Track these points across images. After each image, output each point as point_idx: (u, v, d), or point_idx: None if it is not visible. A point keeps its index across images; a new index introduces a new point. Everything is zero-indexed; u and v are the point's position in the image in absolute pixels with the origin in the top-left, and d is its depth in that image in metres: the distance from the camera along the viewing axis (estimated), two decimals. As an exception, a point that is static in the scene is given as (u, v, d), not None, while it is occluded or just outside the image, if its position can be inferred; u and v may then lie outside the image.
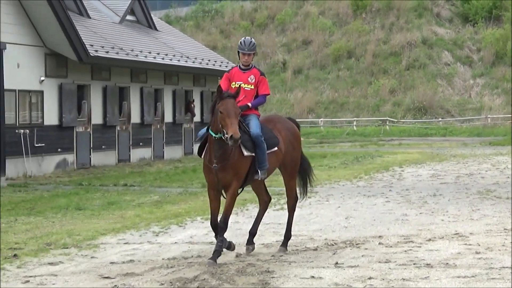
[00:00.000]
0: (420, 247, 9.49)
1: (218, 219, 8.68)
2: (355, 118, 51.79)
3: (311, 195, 15.22)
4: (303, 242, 10.02)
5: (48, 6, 20.44)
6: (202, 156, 8.76)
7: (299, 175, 9.80)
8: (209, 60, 30.60)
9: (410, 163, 24.45)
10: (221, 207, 8.79)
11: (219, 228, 8.58)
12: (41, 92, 21.55)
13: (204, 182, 10.05)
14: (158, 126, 27.55)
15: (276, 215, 12.35)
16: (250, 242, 9.23)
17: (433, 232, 10.65)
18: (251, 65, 9.10)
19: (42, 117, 21.54)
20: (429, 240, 10.01)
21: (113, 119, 24.67)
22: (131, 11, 29.45)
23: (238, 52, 9.12)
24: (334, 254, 9.12)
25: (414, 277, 7.74)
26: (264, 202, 9.56)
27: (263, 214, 9.57)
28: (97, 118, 23.99)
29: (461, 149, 32.12)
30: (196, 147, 11.64)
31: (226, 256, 8.93)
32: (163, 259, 8.98)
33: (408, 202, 14.33)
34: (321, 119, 52.05)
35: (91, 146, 23.63)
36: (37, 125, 21.20)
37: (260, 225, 9.61)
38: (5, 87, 19.54)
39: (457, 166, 23.20)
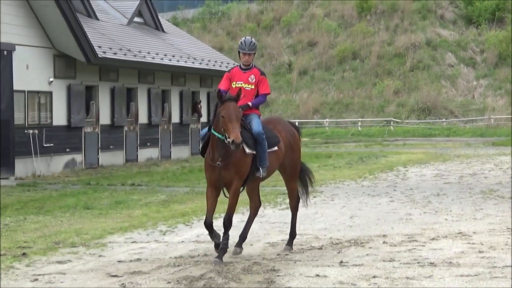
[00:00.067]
0: (424, 246, 9.54)
1: (219, 218, 8.66)
2: (359, 119, 51.87)
3: (316, 194, 15.37)
4: (308, 241, 10.08)
5: (57, 8, 20.54)
6: (205, 156, 8.79)
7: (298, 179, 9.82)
8: (215, 62, 30.73)
9: (414, 163, 24.48)
10: (220, 207, 8.75)
11: (224, 226, 8.64)
12: (50, 93, 21.68)
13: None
14: (165, 126, 27.69)
15: (281, 214, 12.41)
16: (239, 245, 9.20)
17: (437, 231, 10.69)
18: (251, 64, 9.11)
19: (51, 118, 21.67)
20: (433, 239, 10.05)
21: (120, 119, 24.82)
22: (138, 13, 29.59)
23: (239, 52, 9.14)
24: (339, 253, 9.17)
25: (418, 276, 7.78)
26: (255, 207, 9.56)
27: (253, 219, 9.55)
28: (105, 118, 24.14)
29: (464, 149, 32.13)
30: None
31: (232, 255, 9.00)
32: (170, 257, 9.01)
33: (412, 201, 14.38)
34: (326, 120, 52.17)
35: (99, 146, 23.77)
36: (46, 126, 21.33)
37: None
38: (15, 88, 19.73)
39: (460, 166, 23.24)
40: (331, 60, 57.73)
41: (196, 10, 66.72)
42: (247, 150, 8.67)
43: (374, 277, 7.74)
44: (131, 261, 8.82)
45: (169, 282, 7.63)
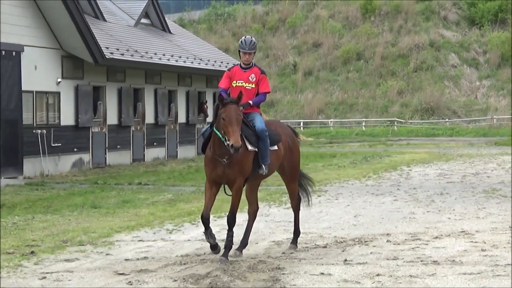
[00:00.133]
0: (427, 244, 9.60)
1: (211, 214, 8.57)
2: (364, 119, 51.96)
3: (320, 193, 15.49)
4: (313, 239, 10.15)
5: (65, 9, 20.63)
6: (206, 151, 8.78)
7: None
8: (221, 62, 30.86)
9: (418, 162, 24.50)
10: (224, 206, 8.73)
11: (228, 223, 8.68)
12: (58, 93, 21.80)
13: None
14: (172, 126, 27.83)
15: (286, 213, 12.42)
16: (239, 249, 9.17)
17: (440, 230, 10.74)
18: (251, 63, 9.15)
19: (59, 118, 21.77)
20: (436, 237, 10.11)
21: (128, 119, 24.95)
22: (145, 14, 29.71)
23: (239, 51, 9.16)
24: (343, 251, 9.24)
25: (421, 274, 7.83)
26: (254, 212, 9.56)
27: (252, 224, 9.52)
28: (112, 118, 24.27)
29: (467, 149, 32.11)
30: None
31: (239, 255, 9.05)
32: (176, 256, 9.03)
33: (415, 200, 14.45)
34: (331, 120, 52.28)
35: (107, 146, 23.89)
36: (54, 126, 21.44)
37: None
38: (23, 88, 19.86)
39: (463, 165, 23.26)
40: (335, 61, 57.83)
41: (202, 12, 66.92)
42: (250, 147, 8.71)
43: (378, 275, 7.80)
44: (138, 259, 8.87)
45: (175, 280, 7.65)
